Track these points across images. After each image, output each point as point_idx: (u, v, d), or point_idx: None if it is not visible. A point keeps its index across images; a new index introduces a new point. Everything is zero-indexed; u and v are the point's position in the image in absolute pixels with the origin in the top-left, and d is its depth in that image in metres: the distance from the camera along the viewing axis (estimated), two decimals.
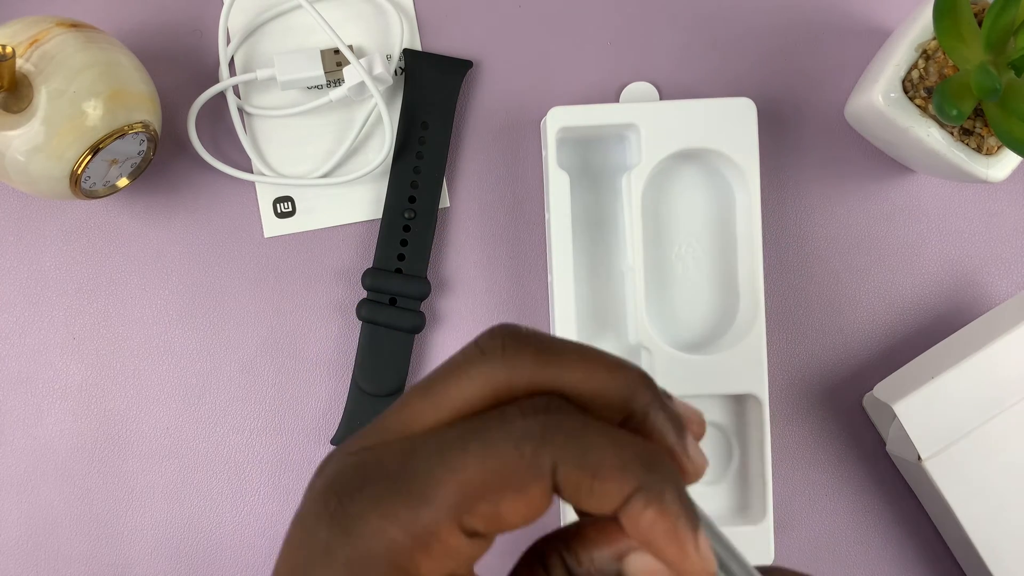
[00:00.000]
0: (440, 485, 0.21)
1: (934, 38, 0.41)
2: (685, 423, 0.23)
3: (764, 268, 0.47)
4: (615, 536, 0.23)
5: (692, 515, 0.21)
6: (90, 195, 0.43)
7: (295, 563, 0.22)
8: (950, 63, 0.41)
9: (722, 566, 0.23)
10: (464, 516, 0.21)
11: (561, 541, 0.23)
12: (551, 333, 0.43)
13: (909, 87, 0.42)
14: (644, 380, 0.23)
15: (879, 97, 0.42)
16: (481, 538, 0.22)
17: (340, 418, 0.47)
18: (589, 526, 0.23)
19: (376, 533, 0.21)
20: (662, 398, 0.23)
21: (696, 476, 0.23)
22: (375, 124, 0.48)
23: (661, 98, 0.48)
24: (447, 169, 0.48)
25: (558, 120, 0.45)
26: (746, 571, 0.23)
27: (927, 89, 0.42)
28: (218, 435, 0.47)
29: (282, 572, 0.23)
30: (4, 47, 0.37)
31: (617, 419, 0.23)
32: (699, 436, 0.24)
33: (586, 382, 0.22)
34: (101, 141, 0.41)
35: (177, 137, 0.48)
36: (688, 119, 0.45)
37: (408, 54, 0.47)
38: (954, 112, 0.39)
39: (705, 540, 0.21)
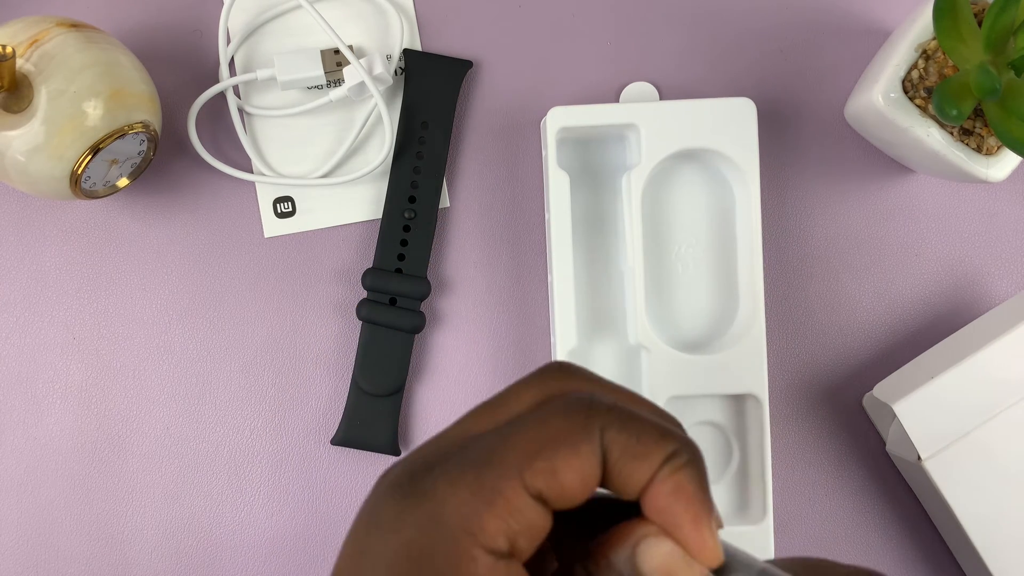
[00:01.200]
0: (501, 450, 0.23)
1: (934, 38, 0.41)
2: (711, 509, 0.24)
3: (764, 268, 0.47)
4: (629, 533, 0.23)
5: (711, 501, 0.23)
6: (90, 195, 0.43)
7: (358, 538, 0.23)
8: (950, 63, 0.41)
9: (729, 567, 0.23)
10: (525, 473, 0.22)
11: (580, 551, 0.24)
12: (552, 337, 0.42)
13: (909, 87, 0.42)
14: (689, 449, 0.24)
15: (879, 97, 0.42)
16: (543, 506, 0.23)
17: (340, 418, 0.47)
18: (605, 534, 0.24)
19: (445, 497, 0.22)
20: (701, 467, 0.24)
21: (706, 557, 0.23)
22: (375, 124, 0.48)
23: (661, 98, 0.48)
24: (447, 169, 0.48)
25: (558, 120, 0.45)
26: (753, 569, 0.23)
27: (927, 89, 0.42)
28: (218, 435, 0.47)
29: (346, 551, 0.24)
30: (4, 47, 0.37)
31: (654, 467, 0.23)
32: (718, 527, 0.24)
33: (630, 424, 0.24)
34: (101, 141, 0.41)
35: (177, 137, 0.48)
36: (688, 119, 0.45)
37: (408, 54, 0.47)
38: (954, 112, 0.39)
39: (715, 530, 0.23)
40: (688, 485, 0.23)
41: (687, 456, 0.23)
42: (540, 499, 0.23)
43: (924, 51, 0.42)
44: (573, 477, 0.23)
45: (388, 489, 0.23)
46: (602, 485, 0.24)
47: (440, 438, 0.24)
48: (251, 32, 0.48)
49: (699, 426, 0.47)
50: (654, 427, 0.23)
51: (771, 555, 0.44)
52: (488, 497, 0.22)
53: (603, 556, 0.24)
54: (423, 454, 0.24)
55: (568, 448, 0.22)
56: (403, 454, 0.27)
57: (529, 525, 0.22)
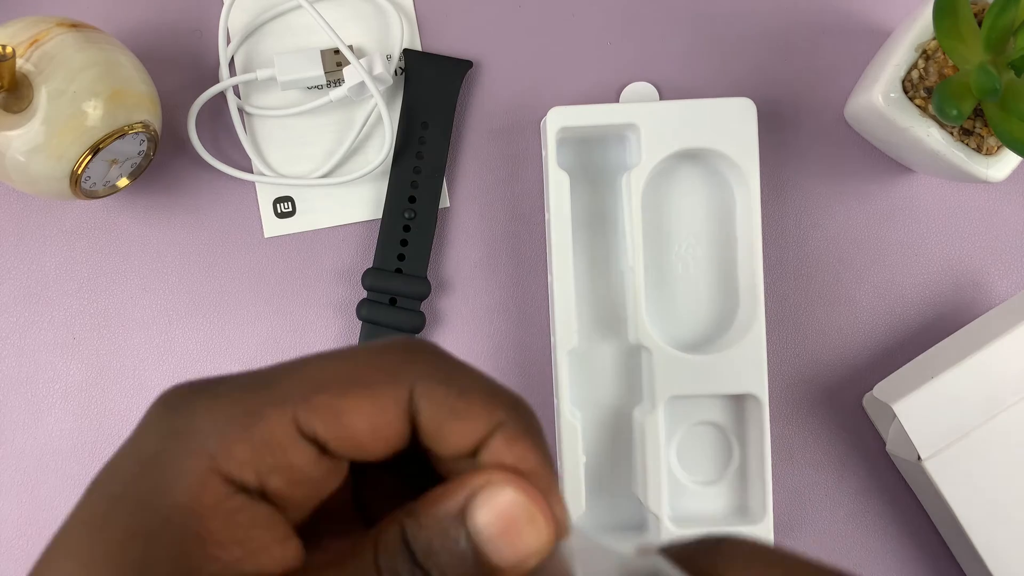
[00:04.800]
0: (284, 377, 0.19)
1: (934, 38, 0.41)
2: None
3: (764, 268, 0.47)
4: (460, 485, 0.19)
5: (556, 475, 0.20)
6: (90, 195, 0.43)
7: (111, 466, 0.20)
8: (950, 63, 0.41)
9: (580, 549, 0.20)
10: (300, 407, 0.19)
11: (403, 512, 0.20)
12: (552, 337, 0.42)
13: (909, 87, 0.42)
14: (525, 412, 0.20)
15: (879, 97, 0.42)
16: (319, 451, 0.19)
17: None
18: (431, 490, 0.20)
19: (198, 412, 0.19)
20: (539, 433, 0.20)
21: (555, 530, 0.19)
22: (375, 124, 0.48)
23: (661, 98, 0.48)
24: (447, 169, 0.48)
25: (558, 120, 0.45)
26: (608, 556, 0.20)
27: (927, 89, 0.42)
28: None
29: (100, 478, 0.20)
30: (4, 47, 0.37)
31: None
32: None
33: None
34: (101, 141, 0.41)
35: (177, 137, 0.48)
36: (688, 119, 0.45)
37: (408, 54, 0.47)
38: (954, 112, 0.39)
39: (564, 504, 0.20)
40: (531, 455, 0.19)
41: (524, 423, 0.20)
42: (315, 442, 0.19)
43: (924, 51, 0.42)
44: (361, 424, 0.19)
45: (155, 402, 0.20)
46: (418, 446, 0.20)
47: (248, 370, 0.20)
48: (251, 32, 0.48)
49: (699, 426, 0.47)
50: (480, 385, 0.20)
51: None
52: (245, 421, 0.19)
53: (429, 513, 0.19)
54: (215, 376, 0.20)
55: (362, 388, 0.19)
56: None
57: (289, 466, 0.19)
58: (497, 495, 0.19)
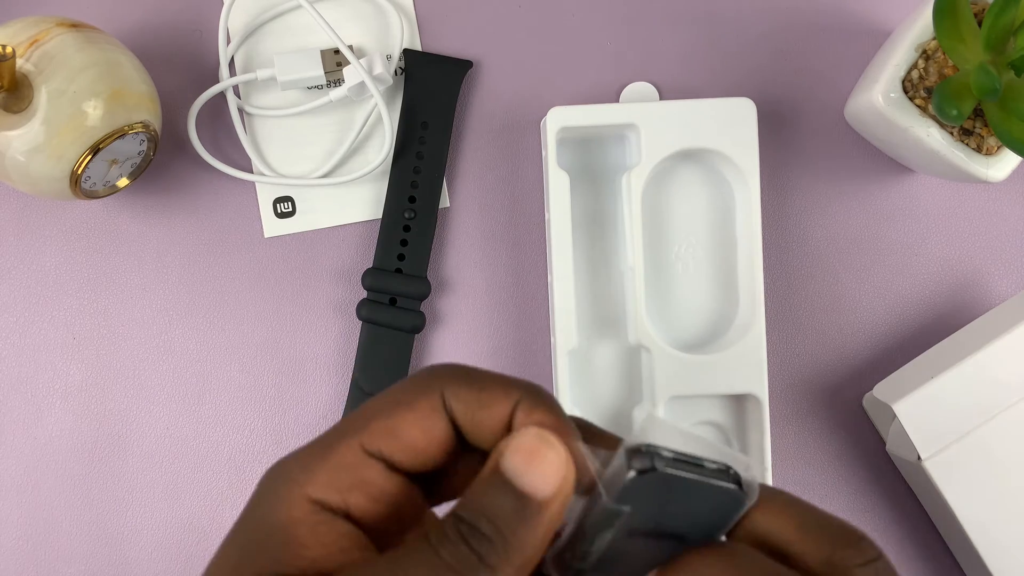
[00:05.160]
0: (346, 420, 0.24)
1: (934, 38, 0.41)
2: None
3: (764, 268, 0.47)
4: (489, 459, 0.23)
5: (574, 427, 0.23)
6: (90, 195, 0.43)
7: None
8: (950, 63, 0.41)
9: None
10: (363, 433, 0.23)
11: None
12: (552, 337, 0.42)
13: (909, 87, 0.42)
14: (537, 391, 0.24)
15: (879, 97, 0.42)
16: (386, 466, 0.23)
17: (340, 418, 0.47)
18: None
19: (290, 460, 0.24)
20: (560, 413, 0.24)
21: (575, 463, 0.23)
22: (375, 124, 0.48)
23: (661, 98, 0.48)
24: (447, 169, 0.48)
25: (558, 120, 0.45)
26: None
27: (927, 89, 0.42)
28: (218, 435, 0.47)
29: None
30: (4, 47, 0.37)
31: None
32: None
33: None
34: (101, 141, 0.41)
35: (177, 137, 0.48)
36: (688, 119, 0.45)
37: (408, 54, 0.47)
38: (954, 112, 0.39)
39: (583, 447, 0.23)
40: (548, 416, 0.23)
41: (538, 396, 0.23)
42: (381, 458, 0.23)
43: (924, 51, 0.42)
44: (415, 433, 0.23)
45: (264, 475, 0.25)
46: (464, 444, 0.24)
47: None
48: (251, 32, 0.48)
49: (699, 426, 0.47)
50: (497, 378, 0.24)
51: None
52: (322, 455, 0.23)
53: (471, 488, 0.23)
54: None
55: (405, 407, 0.23)
56: None
57: (363, 481, 0.23)
58: (518, 438, 0.23)
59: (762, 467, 0.45)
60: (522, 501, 0.22)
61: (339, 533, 0.23)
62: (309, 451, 0.24)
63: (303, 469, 0.23)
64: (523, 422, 0.23)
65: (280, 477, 0.24)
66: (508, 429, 0.23)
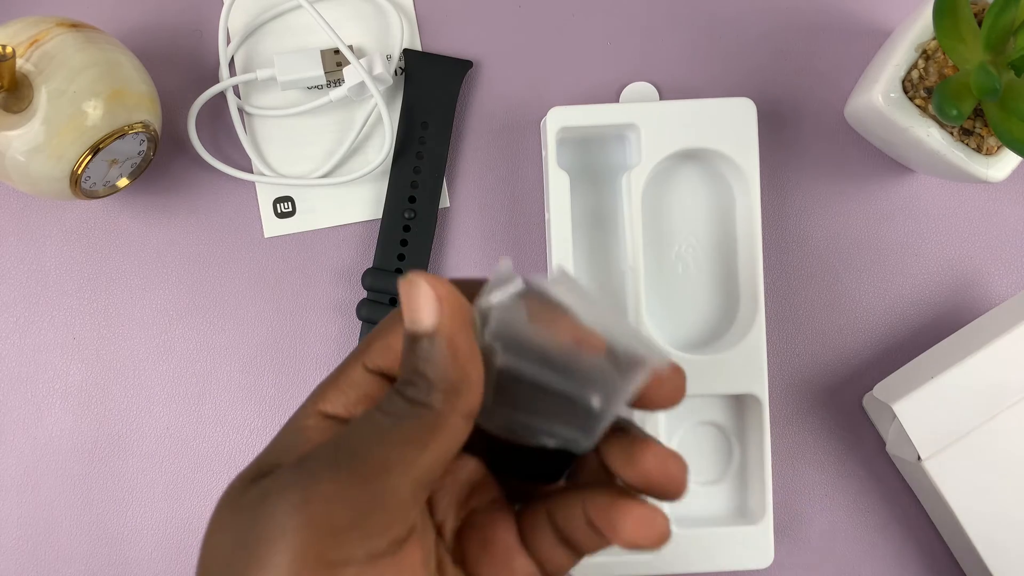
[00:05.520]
0: (352, 352, 0.27)
1: (934, 38, 0.41)
2: None
3: (764, 268, 0.47)
4: None
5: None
6: (90, 195, 0.43)
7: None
8: (950, 63, 0.41)
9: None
10: (364, 355, 0.26)
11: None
12: None
13: (909, 87, 0.42)
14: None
15: (879, 97, 0.42)
16: (388, 382, 0.26)
17: None
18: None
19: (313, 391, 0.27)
20: None
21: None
22: (375, 124, 0.48)
23: (661, 98, 0.48)
24: (447, 169, 0.48)
25: (558, 120, 0.45)
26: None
27: (927, 89, 0.42)
28: (218, 435, 0.47)
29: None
30: (4, 47, 0.37)
31: None
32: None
33: None
34: (101, 141, 0.41)
35: (177, 137, 0.48)
36: (688, 119, 0.45)
37: (408, 54, 0.47)
38: (954, 112, 0.39)
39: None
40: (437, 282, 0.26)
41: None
42: (381, 374, 0.26)
43: (924, 51, 0.42)
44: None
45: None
46: None
47: None
48: (251, 32, 0.48)
49: (699, 426, 0.47)
50: (475, 280, 0.27)
51: (771, 555, 0.44)
52: (333, 377, 0.27)
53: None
54: None
55: (399, 323, 0.26)
56: None
57: (367, 396, 0.26)
58: (400, 299, 0.25)
59: (762, 467, 0.45)
60: (421, 340, 0.24)
61: None
62: (325, 379, 0.27)
63: (317, 393, 0.27)
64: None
65: (301, 405, 0.27)
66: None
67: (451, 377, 0.24)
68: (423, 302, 0.24)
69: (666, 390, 0.26)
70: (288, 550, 0.22)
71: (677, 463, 0.26)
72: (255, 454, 0.47)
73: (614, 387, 0.25)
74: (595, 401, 0.25)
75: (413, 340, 0.24)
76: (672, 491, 0.26)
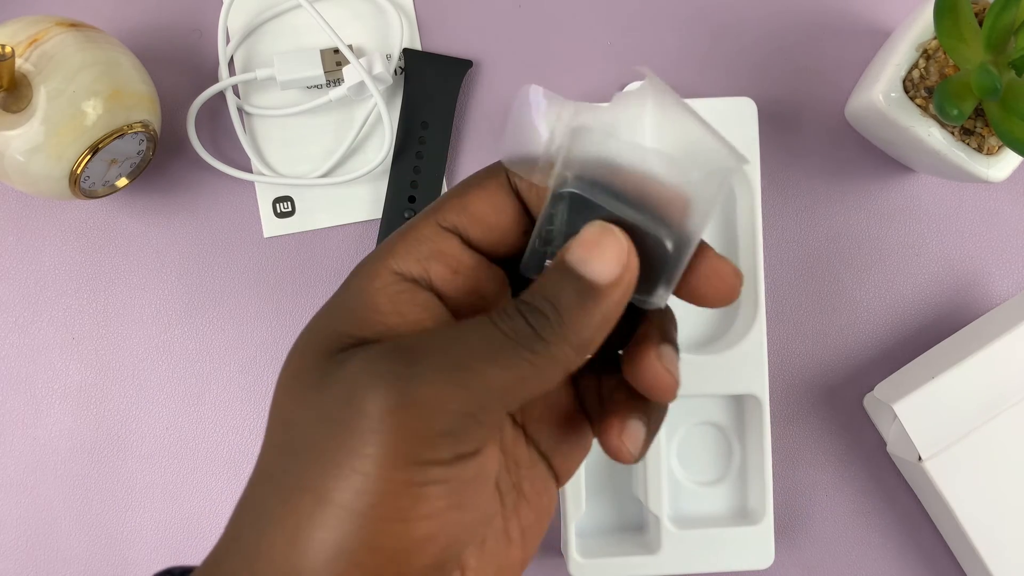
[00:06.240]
0: (421, 212, 0.26)
1: (935, 38, 0.41)
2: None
3: (764, 267, 0.47)
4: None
5: None
6: (90, 195, 0.43)
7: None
8: (951, 63, 0.41)
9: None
10: (438, 212, 0.26)
11: None
12: None
13: (910, 87, 0.42)
14: None
15: (880, 97, 0.42)
16: (459, 238, 0.25)
17: None
18: None
19: (377, 245, 0.26)
20: None
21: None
22: (375, 124, 0.48)
23: None
24: (447, 169, 0.48)
25: None
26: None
27: (928, 89, 0.41)
28: (218, 435, 0.47)
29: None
30: (3, 47, 0.37)
31: None
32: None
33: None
34: (100, 141, 0.41)
35: (177, 137, 0.48)
36: None
37: (408, 54, 0.47)
38: (955, 112, 0.39)
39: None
40: None
41: None
42: (456, 232, 0.26)
43: (925, 51, 0.42)
44: (485, 208, 0.26)
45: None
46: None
47: None
48: (251, 32, 0.48)
49: (699, 426, 0.47)
50: None
51: (771, 555, 0.44)
52: (404, 231, 0.26)
53: (535, 282, 0.24)
54: None
55: (476, 187, 0.26)
56: None
57: (440, 252, 0.25)
58: (583, 231, 0.24)
59: (762, 467, 0.45)
60: (582, 285, 0.23)
61: (417, 303, 0.25)
62: (394, 234, 0.26)
63: (386, 247, 0.25)
64: None
65: (368, 258, 0.26)
66: None
67: (586, 337, 0.23)
68: (614, 256, 0.23)
69: (722, 286, 0.25)
70: (380, 444, 0.22)
71: (733, 274, 0.26)
72: (255, 454, 0.48)
73: (687, 233, 0.24)
74: (668, 243, 0.24)
75: (569, 274, 0.23)
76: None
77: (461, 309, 0.26)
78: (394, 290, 0.25)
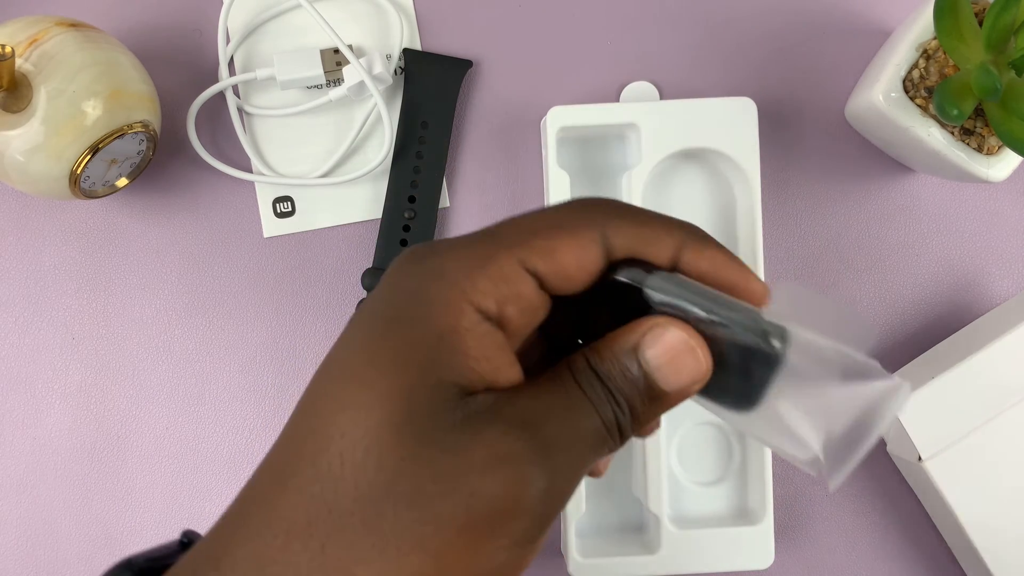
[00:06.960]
0: (505, 229, 0.24)
1: (935, 38, 0.41)
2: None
3: (764, 267, 0.47)
4: (637, 326, 0.24)
5: (744, 264, 0.25)
6: (90, 195, 0.43)
7: (365, 307, 0.24)
8: (951, 63, 0.41)
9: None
10: (522, 248, 0.24)
11: (586, 348, 0.25)
12: None
13: (910, 87, 0.42)
14: (694, 229, 0.25)
15: (880, 97, 0.42)
16: (538, 284, 0.24)
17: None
18: (609, 334, 0.25)
19: (446, 258, 0.24)
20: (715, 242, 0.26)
21: (762, 296, 0.25)
22: (375, 124, 0.48)
23: (661, 98, 0.48)
24: (447, 169, 0.48)
25: (558, 120, 0.44)
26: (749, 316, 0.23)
27: (928, 89, 0.41)
28: (218, 435, 0.47)
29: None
30: (3, 47, 0.37)
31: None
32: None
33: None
34: (100, 141, 0.41)
35: (177, 137, 0.48)
36: (688, 119, 0.44)
37: (408, 54, 0.47)
38: (955, 112, 0.39)
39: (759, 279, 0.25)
40: (721, 253, 0.25)
41: (704, 238, 0.25)
42: (536, 276, 0.24)
43: (925, 51, 0.42)
44: (570, 259, 0.24)
45: (401, 257, 0.25)
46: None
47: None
48: (251, 32, 0.48)
49: (699, 426, 0.47)
50: (657, 216, 0.25)
51: (771, 555, 0.44)
52: (483, 262, 0.23)
53: (608, 348, 0.24)
54: (445, 239, 0.25)
55: (567, 232, 0.24)
56: None
57: (518, 295, 0.24)
58: (664, 333, 0.23)
59: (762, 467, 0.45)
60: (653, 393, 0.23)
61: (497, 346, 0.23)
62: (465, 255, 0.24)
63: (466, 275, 0.23)
64: (696, 264, 0.25)
65: (440, 278, 0.23)
66: (673, 268, 0.25)
67: (643, 420, 0.24)
68: (688, 375, 0.23)
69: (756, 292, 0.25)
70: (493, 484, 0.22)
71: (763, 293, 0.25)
72: (255, 454, 0.48)
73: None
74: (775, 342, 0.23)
75: (638, 369, 0.23)
76: None
77: (517, 343, 0.25)
78: (480, 331, 0.23)
